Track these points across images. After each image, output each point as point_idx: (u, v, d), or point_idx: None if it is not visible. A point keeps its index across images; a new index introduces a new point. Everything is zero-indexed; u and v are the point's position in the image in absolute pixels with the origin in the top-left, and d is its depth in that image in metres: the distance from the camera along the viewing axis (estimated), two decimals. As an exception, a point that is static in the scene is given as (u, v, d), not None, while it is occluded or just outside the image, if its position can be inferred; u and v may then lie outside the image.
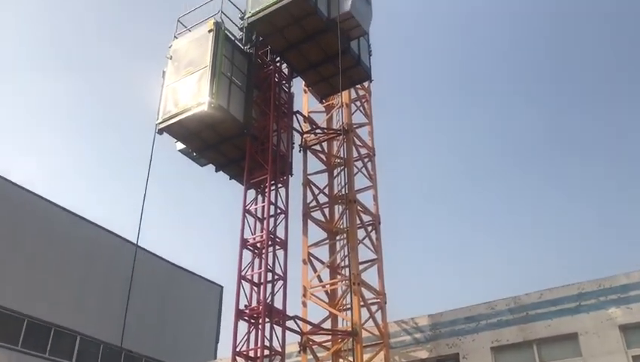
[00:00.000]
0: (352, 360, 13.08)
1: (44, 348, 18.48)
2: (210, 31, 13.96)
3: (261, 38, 14.79)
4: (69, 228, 20.79)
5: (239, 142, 14.33)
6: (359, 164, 16.11)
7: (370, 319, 14.24)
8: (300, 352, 13.77)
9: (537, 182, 45.44)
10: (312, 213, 15.39)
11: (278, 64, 15.25)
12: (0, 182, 18.94)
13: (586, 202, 43.51)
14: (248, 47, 14.93)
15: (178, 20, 15.12)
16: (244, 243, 13.28)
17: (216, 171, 15.19)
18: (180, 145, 14.94)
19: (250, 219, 13.76)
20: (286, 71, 15.48)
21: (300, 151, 15.89)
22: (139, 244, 14.04)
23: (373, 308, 14.48)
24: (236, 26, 15.03)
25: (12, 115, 47.88)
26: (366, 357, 13.47)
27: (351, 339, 13.39)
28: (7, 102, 46.54)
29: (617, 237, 42.27)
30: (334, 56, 13.91)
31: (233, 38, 14.65)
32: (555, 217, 43.90)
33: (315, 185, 15.83)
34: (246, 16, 13.99)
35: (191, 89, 13.66)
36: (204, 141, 14.39)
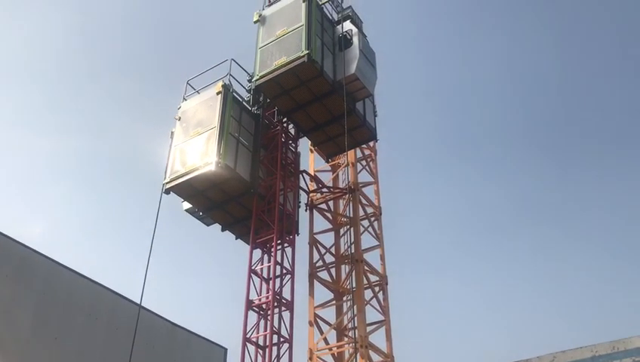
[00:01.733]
0: None
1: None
2: (218, 93, 14.24)
3: (268, 100, 15.04)
4: (70, 287, 20.51)
5: (246, 201, 14.37)
6: (366, 223, 16.04)
7: (379, 383, 13.87)
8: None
9: (549, 240, 44.92)
10: (318, 273, 15.21)
11: (284, 124, 15.44)
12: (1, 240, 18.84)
13: (599, 261, 42.91)
14: (256, 108, 15.21)
15: (187, 83, 15.45)
16: (249, 305, 13.08)
17: (222, 231, 15.17)
18: (187, 205, 14.99)
19: (256, 280, 13.62)
20: (293, 131, 15.67)
21: (306, 210, 15.88)
22: (141, 304, 13.80)
23: (382, 371, 14.11)
24: (244, 87, 15.37)
25: (16, 173, 48.33)
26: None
27: (359, 405, 13.00)
28: (9, 160, 47.08)
29: (632, 297, 41.52)
30: (340, 117, 14.14)
31: (241, 100, 14.94)
32: (568, 275, 43.16)
33: (321, 244, 15.71)
34: (254, 79, 14.27)
35: (199, 149, 13.85)
36: (211, 200, 14.45)
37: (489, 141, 48.33)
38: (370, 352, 13.76)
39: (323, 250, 15.62)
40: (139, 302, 13.49)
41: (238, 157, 13.86)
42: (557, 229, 44.66)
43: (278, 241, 13.70)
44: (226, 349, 25.96)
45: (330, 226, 16.23)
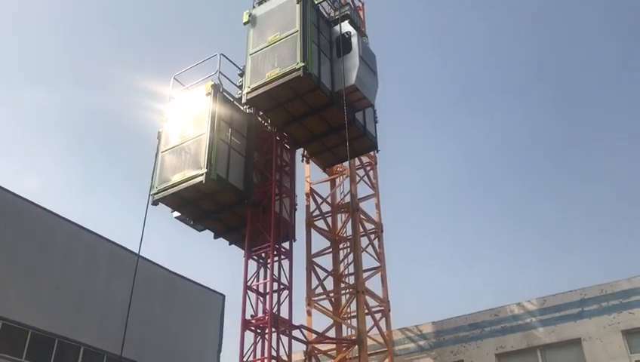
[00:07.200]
0: (357, 368, 13.15)
1: (48, 359, 18.41)
2: (208, 94, 13.16)
3: (261, 113, 14.04)
4: (69, 238, 20.81)
5: (240, 210, 13.52)
6: (361, 172, 16.23)
7: (375, 327, 14.34)
8: (305, 361, 13.82)
9: (540, 189, 45.45)
10: (315, 222, 15.46)
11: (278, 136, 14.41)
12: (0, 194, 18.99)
13: (588, 207, 43.54)
14: (248, 106, 13.99)
15: (174, 78, 14.32)
16: (249, 253, 13.34)
17: (215, 238, 14.31)
18: (177, 213, 14.04)
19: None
20: (287, 143, 14.67)
21: (302, 160, 15.93)
22: (139, 253, 13.85)
23: (378, 315, 14.59)
24: (234, 84, 14.28)
25: (10, 126, 47.93)
26: (371, 365, 13.56)
27: (356, 347, 13.48)
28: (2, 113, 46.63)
29: (619, 243, 42.43)
30: (339, 128, 13.33)
31: (232, 100, 13.89)
32: (558, 223, 43.93)
33: (317, 194, 15.92)
34: (245, 91, 13.04)
35: (188, 157, 12.76)
36: (203, 210, 13.46)
37: (488, 91, 48.20)
38: (367, 297, 14.18)
39: (319, 200, 15.84)
40: (137, 252, 13.51)
41: (230, 165, 12.81)
42: (549, 179, 45.16)
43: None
44: (223, 296, 26.63)
45: (326, 176, 16.40)
